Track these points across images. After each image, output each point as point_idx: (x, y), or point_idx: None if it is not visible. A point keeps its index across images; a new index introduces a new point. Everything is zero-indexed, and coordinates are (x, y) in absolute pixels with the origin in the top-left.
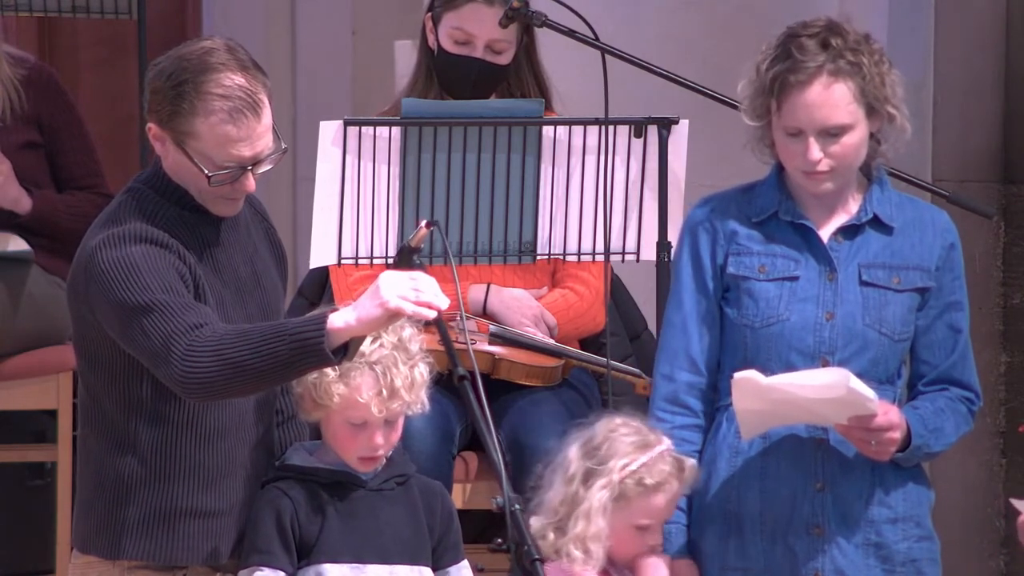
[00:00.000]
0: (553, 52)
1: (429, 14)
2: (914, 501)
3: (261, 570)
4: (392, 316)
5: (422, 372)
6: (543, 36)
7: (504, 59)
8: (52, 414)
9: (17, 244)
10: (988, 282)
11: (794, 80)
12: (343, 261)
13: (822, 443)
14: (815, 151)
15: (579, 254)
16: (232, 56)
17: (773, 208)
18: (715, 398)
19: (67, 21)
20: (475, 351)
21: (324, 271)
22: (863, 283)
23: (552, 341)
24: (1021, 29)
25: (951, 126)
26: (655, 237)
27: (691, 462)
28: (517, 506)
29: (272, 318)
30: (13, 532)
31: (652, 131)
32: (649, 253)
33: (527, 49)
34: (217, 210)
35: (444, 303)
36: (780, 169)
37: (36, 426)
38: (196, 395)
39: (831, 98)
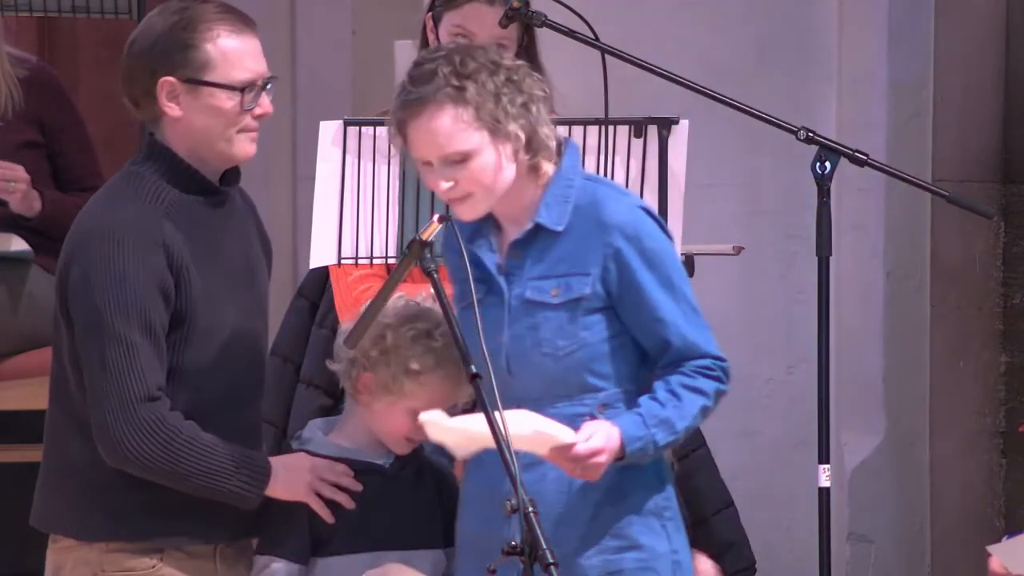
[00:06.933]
0: (553, 52)
1: (429, 14)
2: (606, 518)
3: (277, 561)
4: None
5: None
6: (543, 36)
7: None
8: None
9: (17, 244)
10: (988, 282)
11: (403, 116)
12: (343, 261)
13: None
14: (441, 182)
15: None
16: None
17: (474, 228)
18: None
19: (67, 21)
20: None
21: (324, 271)
22: (527, 301)
23: None
24: (1021, 29)
25: (951, 126)
26: None
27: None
28: (531, 508)
29: (260, 317)
30: (13, 532)
31: (652, 131)
32: None
33: (527, 49)
34: (242, 151)
35: (347, 502)
36: None
37: (36, 426)
38: (118, 464)
39: (441, 127)
